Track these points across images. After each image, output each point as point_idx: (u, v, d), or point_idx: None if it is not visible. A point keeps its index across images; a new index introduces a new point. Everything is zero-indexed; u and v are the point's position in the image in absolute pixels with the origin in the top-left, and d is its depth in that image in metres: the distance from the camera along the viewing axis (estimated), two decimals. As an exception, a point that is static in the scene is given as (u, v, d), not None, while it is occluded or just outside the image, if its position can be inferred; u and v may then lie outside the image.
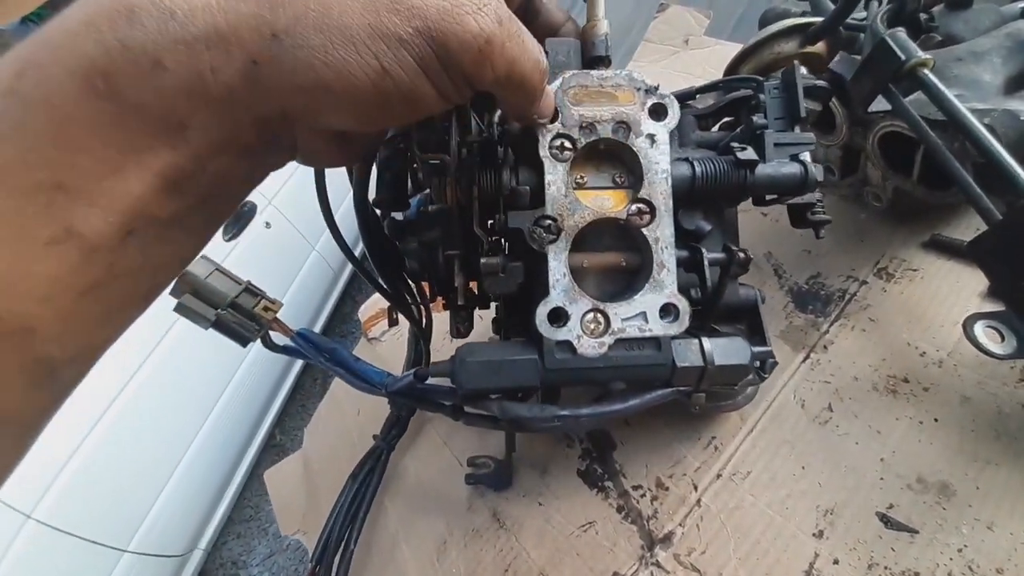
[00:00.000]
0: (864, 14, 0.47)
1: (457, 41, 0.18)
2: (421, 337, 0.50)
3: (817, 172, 0.34)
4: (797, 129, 0.36)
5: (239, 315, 0.39)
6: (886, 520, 0.34)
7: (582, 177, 0.30)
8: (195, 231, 0.19)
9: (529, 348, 0.30)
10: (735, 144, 0.33)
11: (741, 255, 0.33)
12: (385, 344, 0.70)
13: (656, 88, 0.30)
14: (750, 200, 0.37)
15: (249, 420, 1.90)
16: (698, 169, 0.31)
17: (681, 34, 0.76)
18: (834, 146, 0.50)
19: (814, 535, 0.34)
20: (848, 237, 0.51)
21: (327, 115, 0.18)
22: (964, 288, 0.43)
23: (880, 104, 0.43)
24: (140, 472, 1.48)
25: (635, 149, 0.29)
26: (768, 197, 0.36)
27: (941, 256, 0.46)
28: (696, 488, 0.39)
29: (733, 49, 0.77)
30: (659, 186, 0.29)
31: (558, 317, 0.28)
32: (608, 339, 0.29)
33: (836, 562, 0.33)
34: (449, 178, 0.29)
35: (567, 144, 0.28)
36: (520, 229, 0.28)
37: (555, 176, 0.28)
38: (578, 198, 0.29)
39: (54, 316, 0.15)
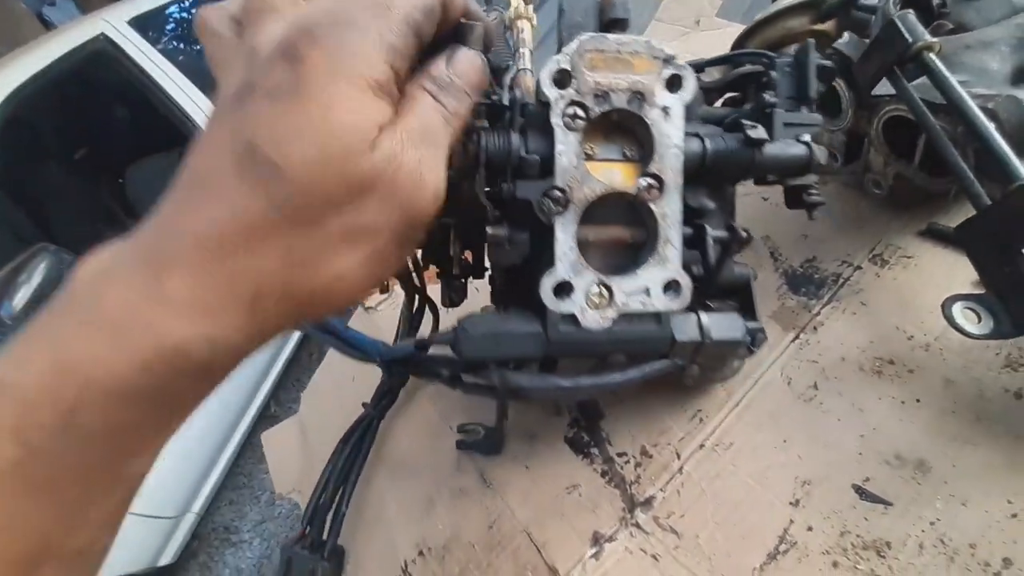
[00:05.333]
0: (876, -2, 0.47)
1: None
2: (433, 303, 0.51)
3: (821, 154, 0.34)
4: (805, 110, 0.36)
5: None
6: (861, 492, 0.34)
7: (591, 148, 0.29)
8: None
9: (532, 320, 0.29)
10: (746, 122, 0.33)
11: (743, 234, 0.33)
12: (381, 313, 0.70)
13: (674, 58, 0.29)
14: (751, 182, 0.37)
15: (244, 391, 1.92)
16: (709, 146, 0.31)
17: (693, 14, 0.75)
18: (839, 131, 0.50)
19: (791, 504, 0.35)
20: (847, 223, 0.51)
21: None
22: (957, 276, 0.43)
23: (886, 88, 0.43)
24: (135, 435, 1.50)
25: (648, 122, 0.28)
26: (770, 178, 0.36)
27: (936, 244, 0.46)
28: (679, 456, 0.40)
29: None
30: (670, 161, 0.29)
31: (563, 290, 0.28)
32: (612, 313, 0.29)
33: (810, 529, 0.34)
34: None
35: (580, 112, 0.27)
36: (528, 200, 0.27)
37: (566, 146, 0.27)
38: (588, 170, 0.28)
39: None
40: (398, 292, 0.72)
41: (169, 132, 1.72)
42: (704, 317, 0.33)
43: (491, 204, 0.28)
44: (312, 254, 0.18)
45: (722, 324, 0.33)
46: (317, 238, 0.18)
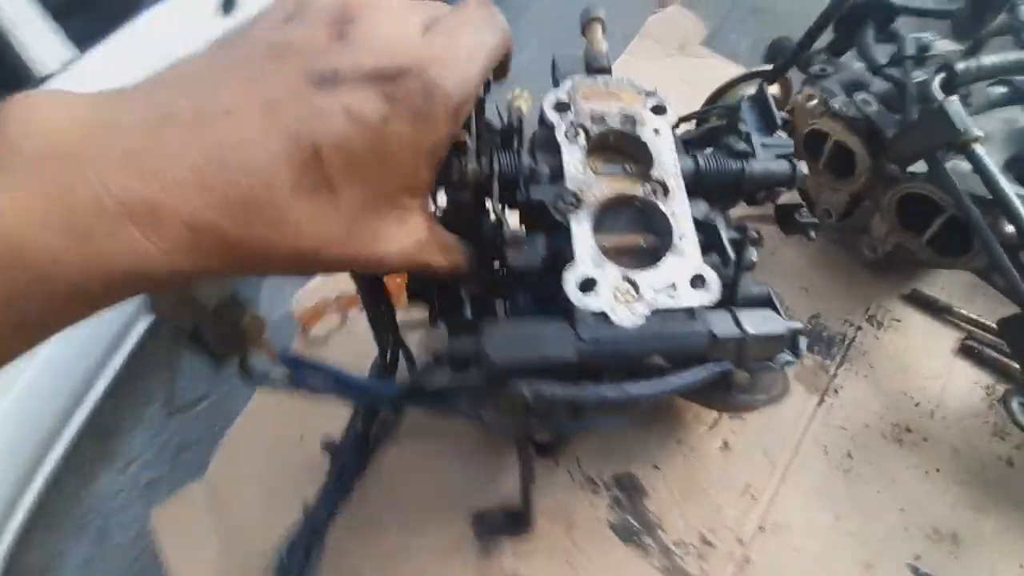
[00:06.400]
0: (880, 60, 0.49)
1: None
2: (409, 353, 0.41)
3: (802, 167, 0.37)
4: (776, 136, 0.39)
5: (222, 326, 0.32)
6: (916, 571, 0.36)
7: (595, 166, 0.32)
8: None
9: (559, 320, 0.28)
10: (729, 140, 0.37)
11: (754, 233, 0.34)
12: (333, 347, 0.57)
13: (655, 92, 0.34)
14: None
15: (67, 392, 1.51)
16: (701, 161, 0.34)
17: (678, 38, 0.73)
18: (842, 192, 0.52)
19: (859, 591, 0.35)
20: (838, 281, 0.54)
21: None
22: (940, 343, 0.48)
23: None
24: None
25: (643, 139, 0.32)
26: (760, 195, 0.38)
27: (917, 310, 0.51)
28: (741, 542, 0.38)
29: (726, 66, 0.77)
30: (669, 168, 0.31)
31: (588, 286, 0.28)
32: (642, 308, 0.28)
33: (884, 618, 0.34)
34: (464, 158, 0.28)
35: (581, 132, 0.31)
36: (542, 202, 0.29)
37: (572, 156, 0.30)
38: (596, 177, 0.31)
39: None
40: (352, 322, 0.60)
41: None
42: (739, 313, 0.32)
43: (503, 215, 0.29)
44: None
45: (760, 319, 0.32)
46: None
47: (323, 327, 0.58)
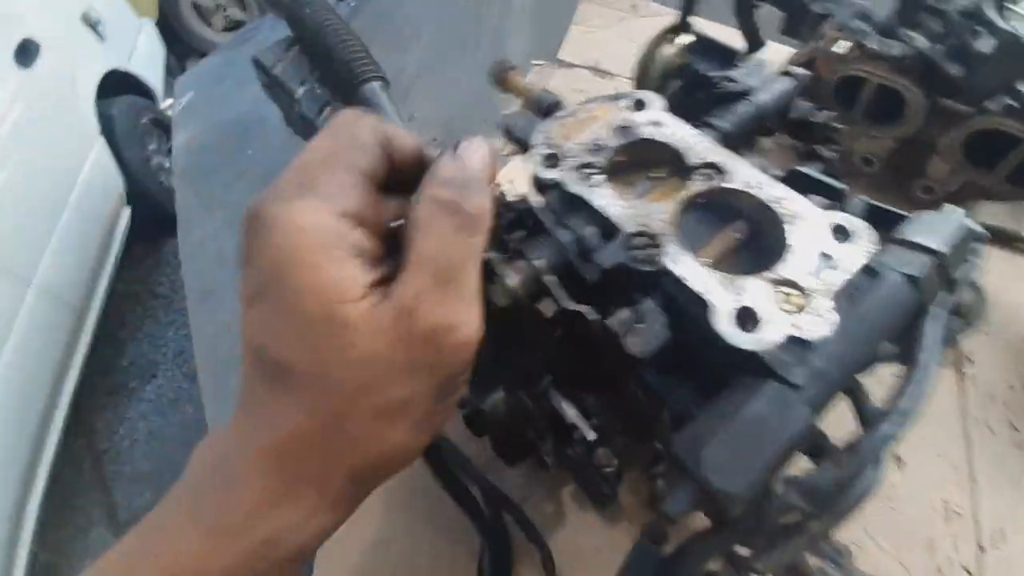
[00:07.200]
0: None
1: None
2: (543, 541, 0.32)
3: (798, 71, 0.34)
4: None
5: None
6: None
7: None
8: None
9: (750, 388, 0.21)
10: (719, 86, 0.33)
11: (831, 154, 0.32)
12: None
13: (622, 94, 0.30)
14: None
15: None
16: (718, 124, 0.31)
17: (626, -1, 0.65)
18: (884, 138, 0.48)
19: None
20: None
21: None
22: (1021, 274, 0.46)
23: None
24: None
25: (650, 137, 0.28)
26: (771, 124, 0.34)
27: (988, 244, 0.48)
28: (971, 573, 0.33)
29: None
30: (701, 144, 0.27)
31: (748, 320, 0.21)
32: (824, 303, 0.21)
33: None
34: (498, 277, 0.24)
35: (590, 171, 0.27)
36: (622, 264, 0.24)
37: (605, 198, 0.26)
38: (644, 202, 0.26)
39: None
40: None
41: None
42: (904, 235, 0.25)
43: (584, 306, 0.24)
44: (356, 439, 0.18)
45: (931, 228, 0.25)
46: (355, 426, 0.18)
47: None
